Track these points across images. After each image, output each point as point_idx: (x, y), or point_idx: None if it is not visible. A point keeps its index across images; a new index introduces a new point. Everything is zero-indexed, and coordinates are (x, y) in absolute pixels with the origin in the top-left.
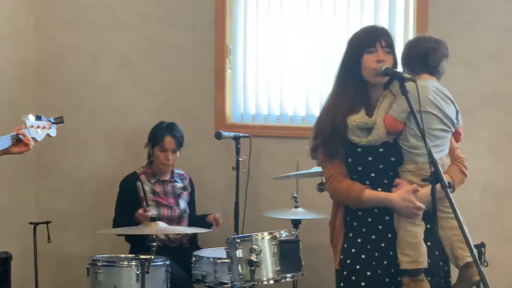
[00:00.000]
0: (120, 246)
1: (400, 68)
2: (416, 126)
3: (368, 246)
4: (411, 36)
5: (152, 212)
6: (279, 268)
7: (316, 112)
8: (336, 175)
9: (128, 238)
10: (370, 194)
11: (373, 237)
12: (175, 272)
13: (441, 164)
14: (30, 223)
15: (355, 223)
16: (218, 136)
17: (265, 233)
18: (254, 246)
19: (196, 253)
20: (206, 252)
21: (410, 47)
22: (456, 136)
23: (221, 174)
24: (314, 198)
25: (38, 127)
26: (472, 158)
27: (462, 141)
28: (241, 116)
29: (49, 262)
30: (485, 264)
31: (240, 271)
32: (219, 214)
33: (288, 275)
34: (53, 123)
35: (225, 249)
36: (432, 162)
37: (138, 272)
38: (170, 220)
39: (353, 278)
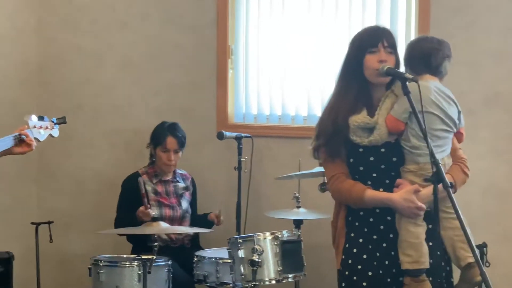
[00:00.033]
0: (122, 246)
1: (402, 68)
2: (417, 126)
3: (370, 246)
4: (413, 36)
5: (154, 212)
6: (281, 268)
7: (318, 112)
8: (338, 175)
9: (130, 238)
10: (372, 194)
11: (375, 237)
12: (177, 272)
13: (442, 164)
14: (32, 223)
15: (356, 223)
16: (220, 136)
17: (267, 233)
18: (256, 246)
19: (198, 253)
20: (208, 252)
21: (413, 47)
22: (458, 136)
23: (223, 174)
24: (316, 198)
25: (40, 127)
26: (474, 158)
27: (464, 141)
28: (243, 116)
29: (51, 262)
30: (487, 264)
31: (242, 271)
32: (220, 211)
33: (290, 275)
34: (55, 123)
35: (227, 249)
36: (434, 162)
37: (140, 272)
38: (172, 220)
39: (355, 278)
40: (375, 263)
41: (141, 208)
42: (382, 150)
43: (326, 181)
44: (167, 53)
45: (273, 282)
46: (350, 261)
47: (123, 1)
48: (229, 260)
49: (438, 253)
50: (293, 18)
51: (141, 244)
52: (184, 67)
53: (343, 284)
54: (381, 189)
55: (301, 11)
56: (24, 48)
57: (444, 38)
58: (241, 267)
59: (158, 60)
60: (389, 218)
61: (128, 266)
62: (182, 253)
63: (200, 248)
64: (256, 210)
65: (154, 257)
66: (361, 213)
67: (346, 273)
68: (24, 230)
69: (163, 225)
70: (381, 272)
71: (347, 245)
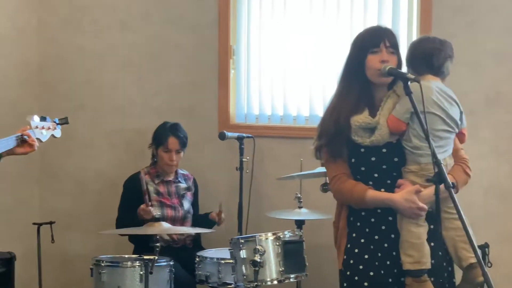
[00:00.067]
0: (124, 246)
1: (404, 69)
2: (419, 126)
3: (371, 247)
4: (414, 36)
5: (156, 212)
6: (282, 268)
7: (320, 112)
8: (340, 175)
9: (132, 238)
10: (373, 194)
11: (376, 237)
12: (179, 272)
13: (444, 164)
14: (34, 223)
15: (358, 224)
16: (222, 136)
17: (269, 234)
18: (257, 247)
19: (199, 253)
20: (210, 253)
21: (415, 47)
22: (460, 137)
23: (224, 174)
24: (317, 198)
25: (42, 128)
26: (476, 158)
27: (466, 142)
28: (245, 117)
29: (52, 263)
30: (489, 265)
31: (244, 271)
32: (221, 205)
33: (292, 276)
34: (58, 123)
35: (229, 249)
36: (436, 162)
37: (141, 273)
38: (173, 221)
39: (356, 278)
40: (376, 263)
41: (142, 206)
42: (384, 150)
43: (328, 181)
44: (169, 53)
45: (275, 282)
46: (351, 261)
47: (124, 1)
48: (231, 261)
49: (440, 253)
50: (295, 18)
51: (143, 245)
52: (186, 67)
53: (345, 284)
54: (382, 190)
55: (302, 11)
56: (25, 48)
57: (446, 38)
58: (243, 268)
59: (160, 60)
60: (390, 218)
61: (130, 267)
62: (184, 253)
63: (202, 249)
64: (258, 211)
65: (156, 257)
66: (363, 213)
67: (348, 273)
68: (26, 231)
69: (165, 225)
70: (382, 272)
71: (348, 245)
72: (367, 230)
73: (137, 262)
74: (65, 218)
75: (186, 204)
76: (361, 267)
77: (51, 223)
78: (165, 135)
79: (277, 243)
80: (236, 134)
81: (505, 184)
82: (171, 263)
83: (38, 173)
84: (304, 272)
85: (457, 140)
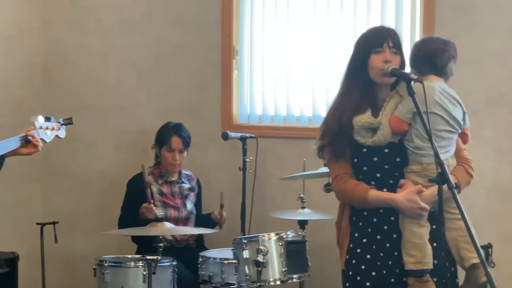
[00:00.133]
0: (127, 246)
1: (408, 69)
2: (421, 127)
3: (374, 246)
4: (417, 36)
5: (159, 212)
6: (285, 268)
7: (323, 112)
8: (342, 175)
9: (135, 238)
10: (375, 194)
11: (379, 237)
12: (182, 272)
13: (446, 165)
14: (37, 223)
15: (360, 224)
16: (225, 136)
17: (272, 234)
18: (260, 247)
19: (202, 253)
20: (213, 253)
21: (418, 47)
22: (463, 137)
23: (227, 174)
24: (320, 198)
25: (47, 128)
26: (478, 158)
27: (469, 142)
28: (248, 117)
29: (56, 263)
30: (492, 265)
31: (247, 271)
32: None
33: (295, 276)
34: (62, 124)
35: (232, 249)
36: (439, 163)
37: (145, 273)
38: (177, 221)
39: (358, 278)
40: (378, 263)
41: (145, 204)
42: (386, 150)
43: (331, 181)
44: (172, 54)
45: (278, 282)
46: (354, 261)
47: (128, 1)
48: (234, 261)
49: (443, 254)
50: (298, 18)
51: (146, 245)
52: (189, 68)
53: (347, 284)
54: (384, 190)
55: (306, 11)
56: (29, 48)
57: (449, 38)
58: (246, 268)
59: (163, 60)
60: (392, 218)
61: (133, 267)
62: (187, 253)
63: (205, 249)
64: (261, 211)
65: (159, 257)
66: (365, 213)
67: (350, 273)
68: (29, 231)
69: (168, 225)
70: (384, 272)
71: (351, 245)
72: (369, 230)
73: (140, 262)
74: (68, 218)
75: (189, 205)
76: (363, 267)
77: (54, 223)
78: (168, 134)
79: (280, 243)
80: (239, 134)
81: (508, 184)
82: (174, 263)
83: (42, 173)
84: (307, 272)
85: (460, 140)
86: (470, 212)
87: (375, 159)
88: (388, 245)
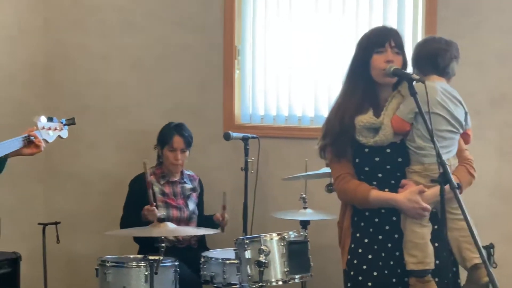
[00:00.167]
0: (129, 246)
1: (410, 69)
2: (423, 127)
3: (375, 247)
4: (420, 36)
5: (161, 213)
6: (287, 269)
7: (325, 113)
8: (344, 175)
9: (137, 238)
10: (377, 194)
11: (380, 237)
12: (184, 273)
13: (448, 165)
14: (39, 223)
15: (362, 224)
16: (227, 137)
17: (274, 234)
18: (262, 247)
19: (204, 254)
20: (215, 253)
21: (420, 47)
22: (465, 137)
23: (229, 175)
24: (322, 199)
25: (49, 128)
26: (480, 159)
27: (471, 142)
28: (250, 117)
29: (58, 263)
30: (494, 265)
31: (249, 272)
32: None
33: (297, 276)
34: (64, 124)
35: (234, 250)
36: (441, 163)
37: (147, 273)
38: (179, 221)
39: (360, 278)
40: (380, 263)
41: (147, 206)
42: (388, 150)
43: (332, 181)
44: (174, 54)
45: (280, 283)
46: (355, 261)
47: (131, 2)
48: (236, 261)
49: (445, 254)
50: (300, 18)
51: (148, 245)
52: (191, 68)
53: (349, 284)
54: (386, 190)
55: (308, 11)
56: (30, 49)
57: (451, 38)
58: (248, 268)
59: (165, 60)
60: (394, 218)
61: (135, 267)
62: (189, 253)
63: (207, 249)
64: (263, 211)
65: (161, 257)
66: (367, 213)
67: (352, 273)
68: (31, 231)
69: (170, 226)
70: (386, 272)
71: (352, 245)
72: (371, 230)
73: (142, 262)
74: (70, 218)
75: (191, 205)
76: (364, 267)
77: (56, 223)
78: (170, 134)
79: (282, 244)
80: (241, 135)
81: (510, 184)
82: (176, 263)
83: (43, 173)
84: (309, 273)
85: (461, 140)
86: (472, 212)
87: (377, 159)
88: (389, 245)
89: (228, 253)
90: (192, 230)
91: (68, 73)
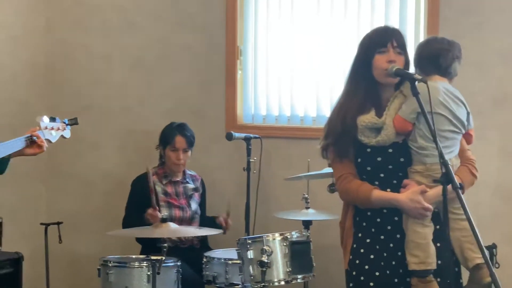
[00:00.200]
0: (131, 247)
1: (412, 69)
2: (425, 127)
3: (377, 247)
4: (422, 37)
5: (163, 213)
6: (290, 269)
7: (327, 113)
8: (346, 175)
9: (139, 239)
10: (379, 194)
11: (382, 237)
12: (186, 273)
13: (450, 165)
14: (42, 223)
15: (364, 224)
16: (229, 137)
17: (276, 234)
18: (265, 247)
19: (207, 254)
20: (217, 253)
21: (422, 48)
22: (467, 137)
23: (232, 175)
24: (325, 199)
25: (52, 128)
26: (482, 159)
27: (473, 142)
28: (252, 117)
29: (60, 263)
30: (497, 265)
31: (251, 272)
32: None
33: (299, 276)
34: (67, 124)
35: (236, 250)
36: (443, 163)
37: (149, 273)
38: (181, 221)
39: (362, 278)
40: (382, 263)
41: (149, 210)
42: (390, 150)
43: (334, 181)
44: (176, 54)
45: (282, 283)
46: (357, 261)
47: (133, 2)
48: (238, 261)
49: (447, 254)
50: (302, 18)
51: (150, 245)
52: (193, 68)
53: (351, 284)
54: (388, 190)
55: (310, 11)
56: (33, 49)
57: (453, 38)
58: (250, 268)
59: (167, 61)
60: (396, 218)
61: (137, 267)
62: (191, 253)
63: (209, 249)
64: (265, 211)
65: (163, 257)
66: (369, 213)
67: (354, 273)
68: (33, 231)
69: (172, 226)
70: (388, 272)
71: (354, 245)
72: (373, 230)
73: (145, 262)
74: (72, 218)
75: (194, 205)
76: (366, 267)
77: (58, 223)
78: (172, 134)
79: (285, 244)
80: (243, 135)
81: None
82: (179, 263)
83: (46, 174)
84: (311, 273)
85: (464, 141)
86: (474, 213)
87: (379, 159)
88: (391, 245)
89: (231, 253)
90: (194, 231)
91: (69, 73)
